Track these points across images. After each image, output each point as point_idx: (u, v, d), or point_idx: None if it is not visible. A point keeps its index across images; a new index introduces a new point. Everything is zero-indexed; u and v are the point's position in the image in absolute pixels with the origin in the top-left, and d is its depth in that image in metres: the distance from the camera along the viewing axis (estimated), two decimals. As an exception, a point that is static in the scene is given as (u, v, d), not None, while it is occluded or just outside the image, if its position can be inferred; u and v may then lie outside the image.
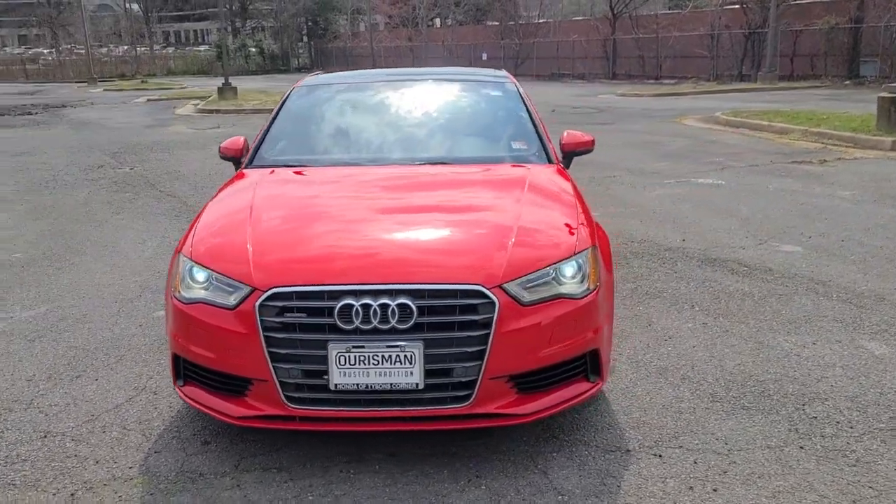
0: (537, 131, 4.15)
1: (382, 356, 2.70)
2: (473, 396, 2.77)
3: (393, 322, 2.70)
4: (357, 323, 2.70)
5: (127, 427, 3.29)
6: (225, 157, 4.22)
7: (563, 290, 2.93)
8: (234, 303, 2.80)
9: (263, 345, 2.73)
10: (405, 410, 2.78)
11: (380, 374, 2.72)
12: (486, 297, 2.75)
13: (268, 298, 2.75)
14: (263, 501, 2.74)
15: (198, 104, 24.82)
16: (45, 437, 3.22)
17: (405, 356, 2.70)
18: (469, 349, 2.74)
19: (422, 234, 3.09)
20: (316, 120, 4.43)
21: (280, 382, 2.76)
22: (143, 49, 70.07)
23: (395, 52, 58.27)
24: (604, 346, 3.09)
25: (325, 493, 2.78)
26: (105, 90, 39.09)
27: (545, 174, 3.80)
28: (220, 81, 27.17)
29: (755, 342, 4.18)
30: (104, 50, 72.53)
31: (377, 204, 3.43)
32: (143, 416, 3.38)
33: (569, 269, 2.98)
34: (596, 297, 3.01)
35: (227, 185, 3.85)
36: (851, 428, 3.23)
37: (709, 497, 2.75)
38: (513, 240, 3.01)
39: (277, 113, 4.39)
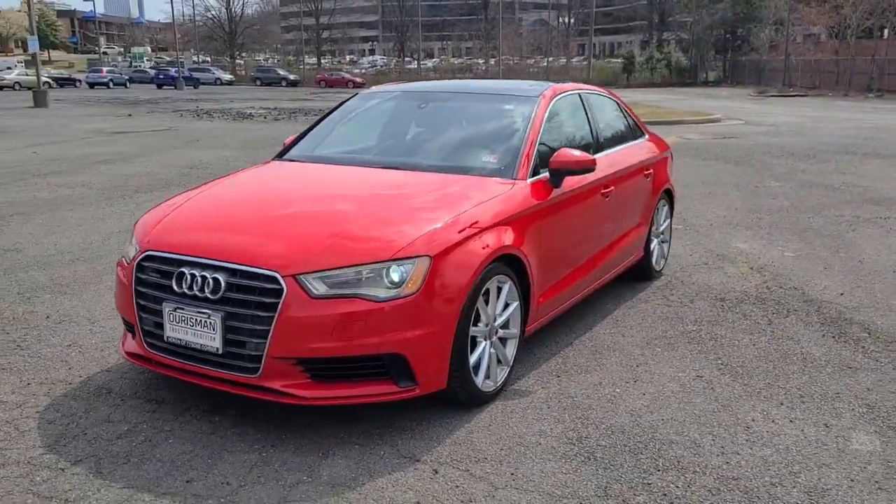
0: (520, 148, 4.14)
1: (195, 319, 3.22)
2: (261, 370, 3.13)
3: (207, 292, 3.20)
4: (183, 288, 3.26)
5: (117, 349, 4.25)
6: (284, 152, 4.97)
7: (366, 290, 3.12)
8: (129, 260, 3.55)
9: (134, 296, 3.44)
10: (209, 370, 3.26)
11: (194, 335, 3.24)
12: (278, 283, 3.09)
13: (143, 259, 3.45)
14: (116, 421, 3.44)
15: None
16: (70, 346, 4.34)
17: (210, 322, 3.18)
18: (258, 327, 3.11)
19: (272, 224, 3.50)
20: (344, 124, 4.96)
21: (142, 329, 3.44)
22: (563, 61, 74.61)
23: (812, 66, 53.43)
24: (417, 354, 3.17)
25: (156, 427, 3.39)
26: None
27: (470, 187, 3.83)
28: (622, 92, 28.29)
29: (720, 405, 3.67)
30: (531, 61, 78.75)
31: (283, 195, 3.92)
32: (138, 346, 4.31)
33: (385, 271, 3.15)
34: (406, 304, 3.13)
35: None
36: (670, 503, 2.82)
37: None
38: (335, 237, 3.27)
39: (322, 118, 5.02)
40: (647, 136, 5.95)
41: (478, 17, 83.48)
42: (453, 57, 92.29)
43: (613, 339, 4.57)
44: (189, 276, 3.25)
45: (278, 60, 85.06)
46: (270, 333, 3.09)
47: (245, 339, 3.15)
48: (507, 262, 3.67)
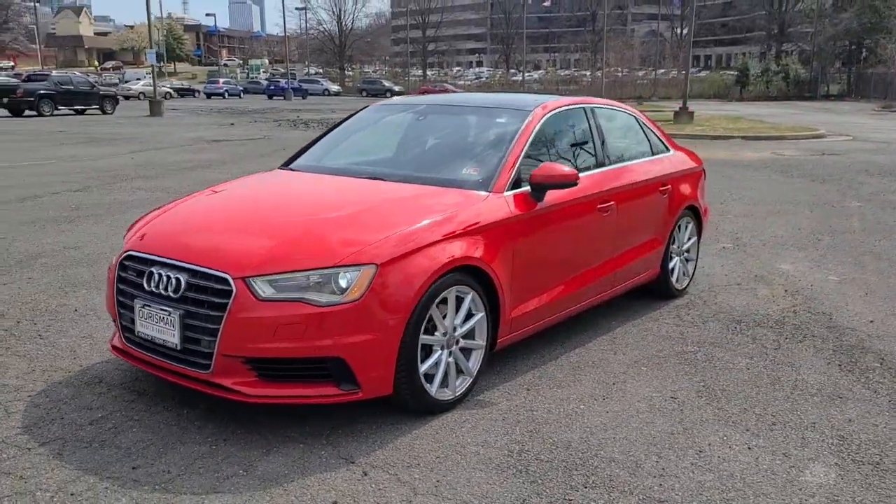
0: (501, 161, 4.17)
1: (159, 316, 3.44)
2: (212, 367, 3.31)
3: (169, 291, 3.42)
4: (151, 287, 3.49)
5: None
6: (292, 162, 5.18)
7: (310, 295, 3.25)
8: (114, 259, 3.82)
9: (115, 293, 3.70)
10: (170, 364, 3.47)
11: (158, 331, 3.46)
12: (229, 284, 3.27)
13: (125, 259, 3.71)
14: (94, 408, 3.70)
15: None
16: (84, 338, 4.68)
17: (170, 319, 3.39)
18: (210, 325, 3.29)
19: (240, 229, 3.69)
20: (349, 135, 5.11)
21: (121, 324, 3.70)
22: (674, 73, 72.67)
23: (944, 80, 49.89)
24: (358, 359, 3.27)
25: (127, 416, 3.62)
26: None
27: (442, 198, 3.90)
28: (732, 106, 27.42)
29: (682, 427, 3.58)
30: (641, 73, 77.08)
31: (264, 202, 4.12)
32: (143, 340, 4.60)
33: (333, 277, 3.28)
34: (348, 310, 3.24)
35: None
36: (580, 523, 2.80)
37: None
38: (290, 243, 3.44)
39: (332, 128, 5.21)
40: (671, 152, 5.83)
41: (586, 29, 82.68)
42: (560, 69, 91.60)
43: (602, 356, 4.51)
44: (157, 276, 3.48)
45: (386, 72, 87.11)
46: (220, 332, 3.26)
47: (199, 336, 3.34)
48: (471, 273, 3.71)
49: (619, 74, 69.37)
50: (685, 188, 5.73)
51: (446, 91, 60.77)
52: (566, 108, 4.84)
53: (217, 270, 3.33)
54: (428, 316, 3.51)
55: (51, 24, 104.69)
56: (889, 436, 3.53)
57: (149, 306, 3.48)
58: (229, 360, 3.29)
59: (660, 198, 5.37)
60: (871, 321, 5.26)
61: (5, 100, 28.76)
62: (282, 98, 53.59)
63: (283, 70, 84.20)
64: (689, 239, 5.91)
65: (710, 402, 3.88)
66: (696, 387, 4.08)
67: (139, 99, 48.16)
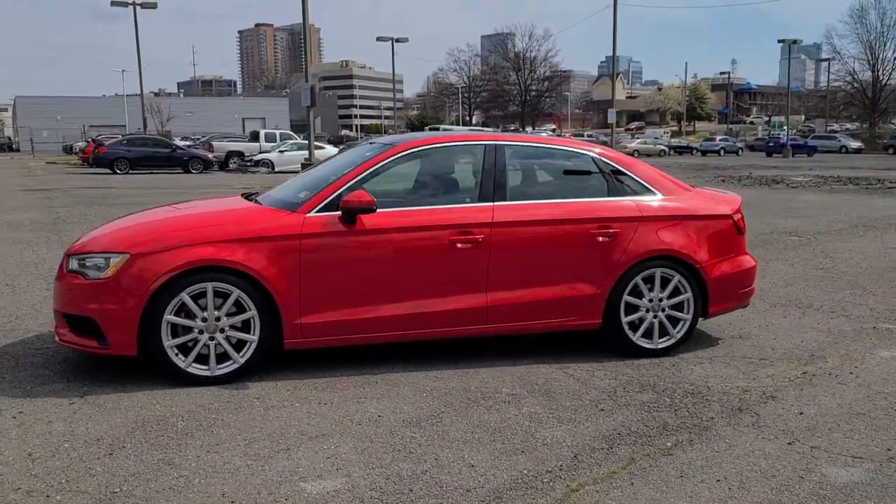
0: (321, 187, 4.72)
1: (67, 283, 5.07)
2: (55, 319, 4.80)
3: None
4: (76, 265, 5.15)
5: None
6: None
7: (86, 271, 4.51)
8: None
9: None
10: (59, 316, 5.04)
11: (64, 291, 5.09)
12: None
13: (87, 248, 5.44)
14: (51, 344, 5.48)
15: None
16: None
17: (57, 285, 4.99)
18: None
19: (132, 227, 5.02)
20: (315, 167, 5.93)
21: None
22: None
23: None
24: (105, 323, 4.38)
25: (58, 355, 5.29)
26: None
27: (249, 213, 4.86)
28: None
29: (315, 434, 3.77)
30: None
31: (170, 211, 5.31)
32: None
33: (106, 259, 4.48)
34: (100, 284, 4.42)
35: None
36: None
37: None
38: (100, 236, 4.75)
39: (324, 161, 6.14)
40: (657, 195, 5.27)
41: None
42: None
43: (426, 383, 4.57)
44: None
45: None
46: (53, 294, 4.74)
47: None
48: (237, 275, 4.44)
49: None
50: (658, 235, 5.08)
51: None
52: (449, 144, 5.08)
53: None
54: (179, 301, 4.40)
55: (591, 91, 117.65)
56: (497, 483, 3.19)
57: (66, 276, 5.14)
58: (57, 313, 4.73)
59: (592, 241, 4.97)
60: (801, 413, 4.07)
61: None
62: (780, 155, 51.03)
63: (812, 126, 79.46)
64: (676, 294, 5.15)
65: (395, 427, 3.87)
66: (425, 413, 4.07)
67: (633, 156, 51.35)
